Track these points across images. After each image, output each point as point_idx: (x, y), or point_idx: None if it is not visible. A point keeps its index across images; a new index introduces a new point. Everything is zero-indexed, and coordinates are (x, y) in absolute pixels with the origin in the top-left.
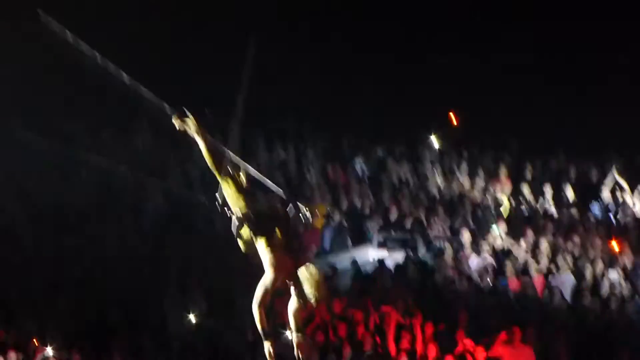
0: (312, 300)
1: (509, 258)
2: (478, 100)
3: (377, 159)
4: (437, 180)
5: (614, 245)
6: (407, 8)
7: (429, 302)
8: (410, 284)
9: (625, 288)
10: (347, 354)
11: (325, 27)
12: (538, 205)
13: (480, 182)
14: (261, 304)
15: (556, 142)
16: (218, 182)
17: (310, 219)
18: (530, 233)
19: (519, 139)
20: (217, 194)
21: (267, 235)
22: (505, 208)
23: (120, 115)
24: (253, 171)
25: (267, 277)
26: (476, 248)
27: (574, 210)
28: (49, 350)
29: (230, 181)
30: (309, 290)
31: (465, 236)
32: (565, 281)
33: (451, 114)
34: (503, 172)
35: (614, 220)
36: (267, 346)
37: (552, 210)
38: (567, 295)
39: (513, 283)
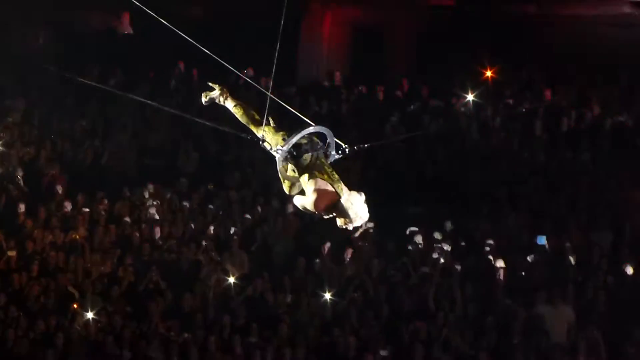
0: (357, 223)
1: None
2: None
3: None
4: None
5: None
6: None
7: (467, 261)
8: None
9: None
10: (384, 313)
11: None
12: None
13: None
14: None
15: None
16: None
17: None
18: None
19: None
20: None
21: (309, 167)
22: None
23: None
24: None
25: (309, 200)
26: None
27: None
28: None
29: (266, 129)
30: (352, 214)
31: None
32: (604, 238)
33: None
34: (537, 125)
35: None
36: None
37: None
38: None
39: (552, 241)
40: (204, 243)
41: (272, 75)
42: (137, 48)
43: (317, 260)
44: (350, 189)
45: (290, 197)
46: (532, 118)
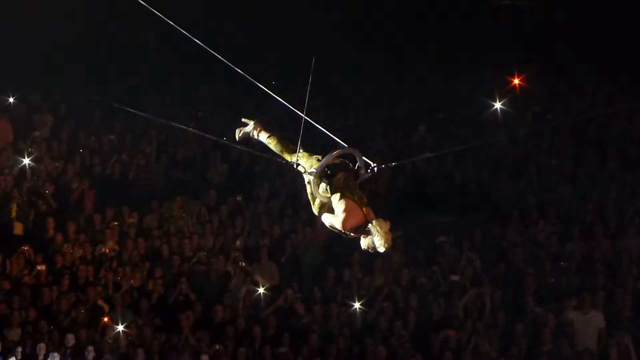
0: (381, 250)
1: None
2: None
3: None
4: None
5: None
6: None
7: (497, 269)
8: (477, 251)
9: None
10: (412, 322)
11: None
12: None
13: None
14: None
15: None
16: None
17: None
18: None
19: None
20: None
21: (341, 187)
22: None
23: None
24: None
25: (338, 218)
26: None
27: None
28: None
29: (299, 154)
30: (378, 241)
31: (529, 200)
32: (634, 245)
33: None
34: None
35: None
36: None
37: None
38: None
39: (581, 247)
40: (233, 255)
41: (306, 100)
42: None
43: (347, 270)
44: (377, 215)
45: (319, 217)
46: (560, 126)
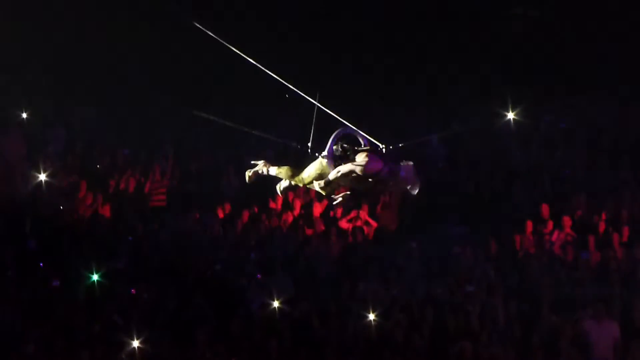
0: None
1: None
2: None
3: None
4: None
5: None
6: None
7: (512, 279)
8: (492, 262)
9: None
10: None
11: None
12: None
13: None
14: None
15: None
16: None
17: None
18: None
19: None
20: None
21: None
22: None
23: None
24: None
25: (361, 162)
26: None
27: None
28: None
29: (306, 176)
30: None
31: (545, 210)
32: None
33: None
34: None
35: None
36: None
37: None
38: None
39: (595, 256)
40: (248, 267)
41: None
42: None
43: (362, 282)
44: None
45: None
46: (573, 135)
